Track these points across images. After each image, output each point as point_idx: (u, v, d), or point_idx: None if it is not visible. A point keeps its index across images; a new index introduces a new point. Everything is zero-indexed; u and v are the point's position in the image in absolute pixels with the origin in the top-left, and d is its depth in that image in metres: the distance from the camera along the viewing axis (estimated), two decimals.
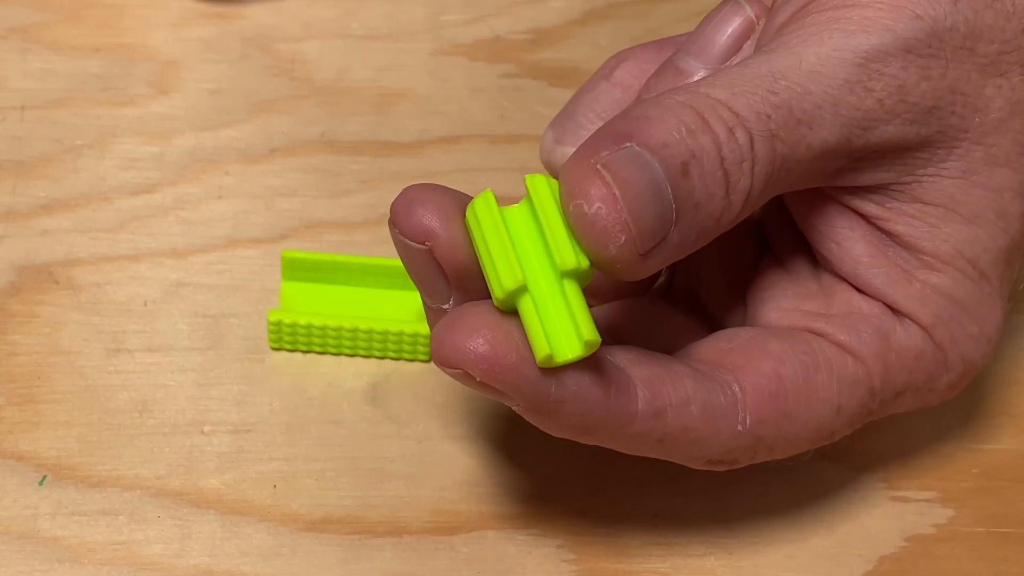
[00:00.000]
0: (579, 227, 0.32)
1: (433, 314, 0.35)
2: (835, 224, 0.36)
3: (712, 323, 0.39)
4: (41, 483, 0.40)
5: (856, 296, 0.37)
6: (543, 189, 0.33)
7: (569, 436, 0.34)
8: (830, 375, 0.36)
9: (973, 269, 0.36)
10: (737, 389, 0.35)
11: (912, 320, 0.36)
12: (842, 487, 0.41)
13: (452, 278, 0.34)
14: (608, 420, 0.34)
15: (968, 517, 0.41)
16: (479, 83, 0.48)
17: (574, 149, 0.37)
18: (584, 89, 0.39)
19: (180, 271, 0.44)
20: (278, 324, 0.42)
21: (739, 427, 0.35)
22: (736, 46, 0.37)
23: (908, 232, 0.36)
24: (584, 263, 0.32)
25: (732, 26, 0.37)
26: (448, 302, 0.35)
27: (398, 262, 0.43)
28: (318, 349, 0.43)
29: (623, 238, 0.32)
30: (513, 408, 0.34)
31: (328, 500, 0.40)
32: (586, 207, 0.32)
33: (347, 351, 0.43)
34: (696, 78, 0.36)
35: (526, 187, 0.33)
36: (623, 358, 0.35)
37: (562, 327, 0.32)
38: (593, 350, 0.32)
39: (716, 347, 0.36)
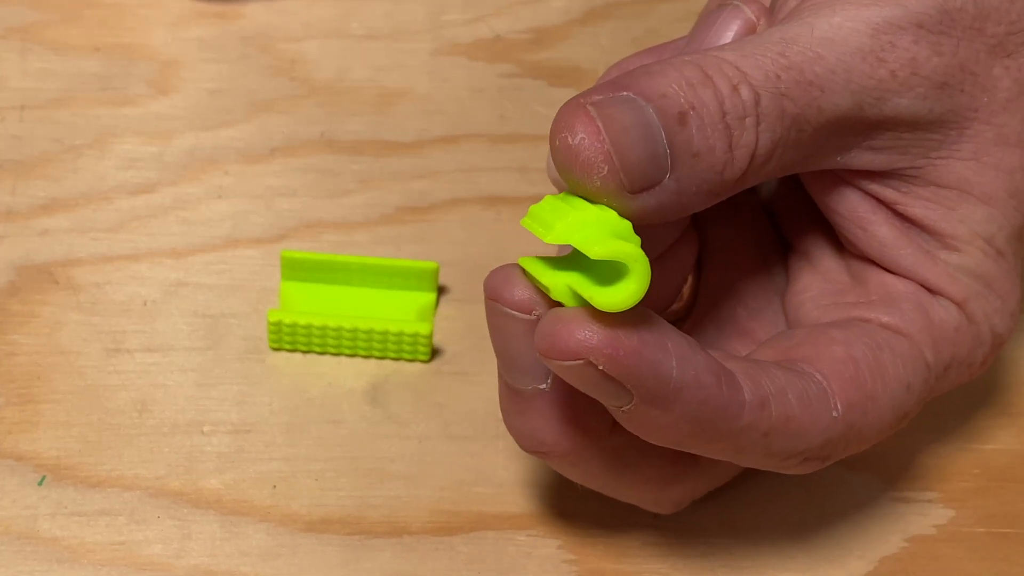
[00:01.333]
0: (564, 160, 0.32)
1: (521, 400, 0.35)
2: (858, 210, 0.36)
3: (744, 337, 0.39)
4: (41, 483, 0.40)
5: (889, 277, 0.37)
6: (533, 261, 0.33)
7: (678, 437, 0.33)
8: (893, 353, 0.36)
9: (990, 247, 0.36)
10: (820, 377, 0.35)
11: (945, 296, 0.36)
12: (842, 487, 0.41)
13: None
14: (721, 411, 0.33)
15: (968, 517, 0.41)
16: (479, 83, 0.48)
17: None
18: None
19: (180, 271, 0.44)
20: (278, 324, 0.42)
21: (833, 413, 0.35)
22: None
23: (925, 215, 0.36)
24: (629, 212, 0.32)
25: (732, 30, 0.37)
26: (545, 382, 0.34)
27: (398, 262, 0.43)
28: (318, 349, 0.43)
29: (605, 168, 0.32)
30: (619, 411, 0.33)
31: (328, 500, 0.40)
32: (570, 139, 0.32)
33: (347, 351, 0.42)
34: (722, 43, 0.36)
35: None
36: (715, 354, 0.34)
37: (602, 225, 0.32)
38: (646, 277, 0.31)
39: (779, 347, 0.36)
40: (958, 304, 0.36)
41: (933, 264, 0.36)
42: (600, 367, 0.31)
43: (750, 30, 0.37)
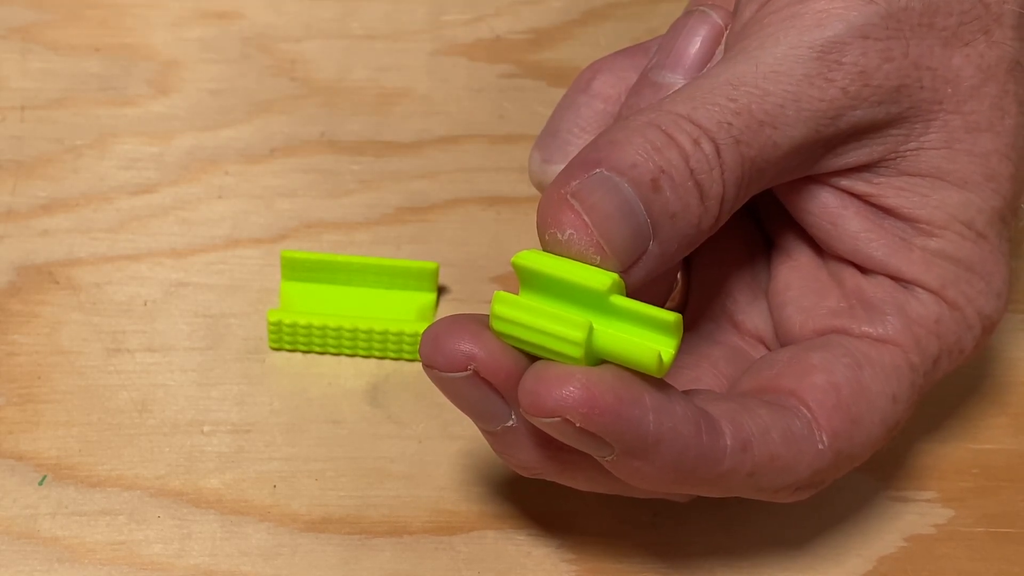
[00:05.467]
0: (556, 253, 0.33)
1: (497, 437, 0.35)
2: (828, 206, 0.37)
3: (737, 329, 0.39)
4: (41, 483, 0.40)
5: (863, 280, 0.37)
6: (534, 255, 0.33)
7: (659, 484, 0.34)
8: (873, 369, 0.36)
9: (969, 231, 0.36)
10: (805, 411, 0.35)
11: (920, 287, 0.36)
12: (842, 487, 0.41)
13: (505, 390, 0.34)
14: (702, 458, 0.34)
15: (968, 517, 0.41)
16: (479, 83, 0.48)
17: (563, 167, 0.38)
18: (563, 105, 0.40)
19: (180, 271, 0.44)
20: (278, 324, 0.42)
21: (819, 445, 0.35)
22: (709, 54, 0.37)
23: (899, 204, 0.36)
24: (615, 275, 0.33)
25: (700, 35, 0.38)
26: (510, 419, 0.35)
27: (398, 262, 0.43)
28: (318, 349, 0.43)
29: (598, 259, 0.33)
30: (603, 460, 0.33)
31: (328, 500, 0.40)
32: (559, 235, 0.33)
33: (347, 351, 0.43)
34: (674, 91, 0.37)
35: (517, 268, 0.33)
36: (698, 399, 0.35)
37: (647, 329, 0.33)
38: (681, 328, 0.33)
39: (761, 376, 0.37)
40: (935, 292, 0.36)
41: (908, 252, 0.36)
42: (577, 424, 0.32)
43: (718, 35, 0.37)
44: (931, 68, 0.35)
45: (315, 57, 0.49)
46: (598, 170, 0.33)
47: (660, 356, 0.32)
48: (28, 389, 0.41)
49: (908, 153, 0.36)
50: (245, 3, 0.50)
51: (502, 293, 0.33)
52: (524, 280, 0.34)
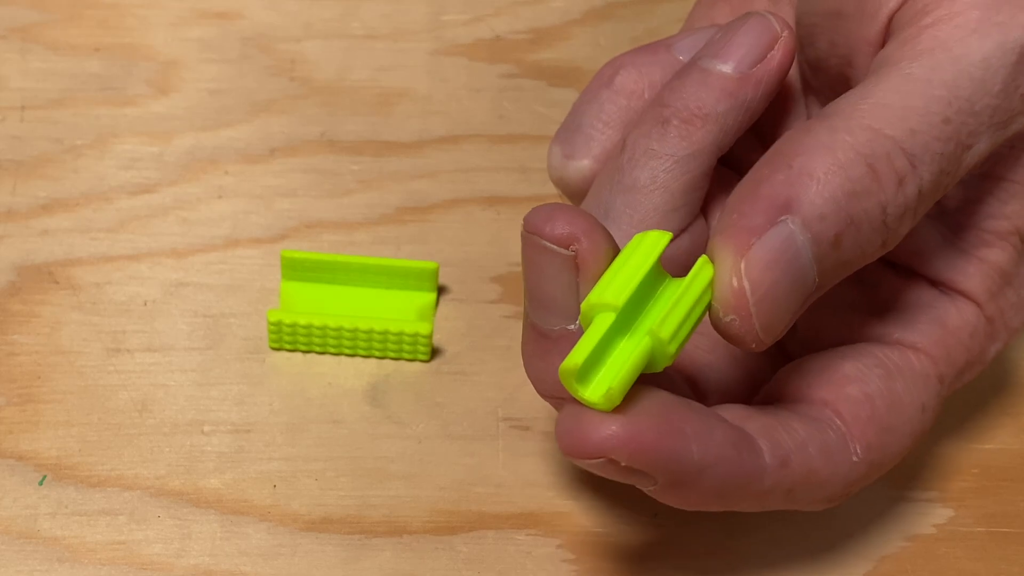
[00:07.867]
0: (714, 323, 0.32)
1: (545, 343, 0.34)
2: None
3: None
4: (41, 483, 0.40)
5: (901, 283, 0.37)
6: (706, 274, 0.32)
7: (701, 506, 0.34)
8: (904, 379, 0.36)
9: (1021, 242, 0.36)
10: (839, 423, 0.35)
11: (966, 297, 0.36)
12: None
13: (586, 279, 0.32)
14: (744, 479, 0.33)
15: (968, 517, 0.41)
16: (479, 83, 0.48)
17: (585, 162, 0.37)
18: (585, 99, 0.38)
19: (180, 271, 0.44)
20: (278, 324, 0.42)
21: (854, 458, 0.35)
22: (762, 54, 0.36)
23: (978, 208, 0.35)
24: (671, 351, 0.32)
25: (758, 34, 0.36)
26: (575, 322, 0.33)
27: (398, 262, 0.43)
28: (318, 349, 0.43)
29: (753, 345, 0.32)
30: (645, 489, 0.33)
31: (328, 500, 0.40)
32: (721, 314, 0.32)
33: (347, 351, 0.43)
34: (725, 74, 0.36)
35: (694, 266, 0.32)
36: (733, 415, 0.34)
37: (611, 367, 0.31)
38: (610, 406, 0.31)
39: (792, 385, 0.36)
40: (978, 304, 0.36)
41: (965, 264, 0.36)
42: (623, 464, 0.32)
43: (774, 39, 0.36)
44: None
45: (315, 57, 0.49)
46: (784, 218, 0.31)
47: (577, 374, 0.31)
48: (28, 389, 0.41)
49: (1020, 153, 0.35)
50: (245, 3, 0.50)
51: (665, 236, 0.32)
52: (692, 274, 0.32)
